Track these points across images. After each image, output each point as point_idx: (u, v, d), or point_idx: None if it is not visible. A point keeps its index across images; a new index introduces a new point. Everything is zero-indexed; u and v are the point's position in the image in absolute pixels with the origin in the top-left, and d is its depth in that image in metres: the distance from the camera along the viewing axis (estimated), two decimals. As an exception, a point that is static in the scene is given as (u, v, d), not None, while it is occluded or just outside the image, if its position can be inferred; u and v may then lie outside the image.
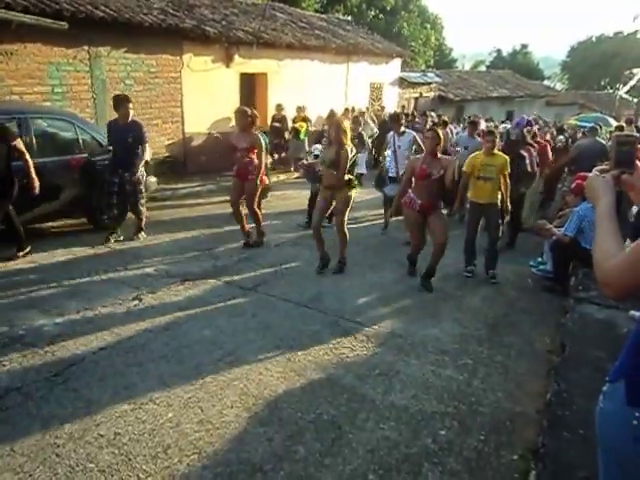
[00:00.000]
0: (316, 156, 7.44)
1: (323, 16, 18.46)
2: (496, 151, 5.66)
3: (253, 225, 6.46)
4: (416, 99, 20.35)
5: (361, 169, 8.17)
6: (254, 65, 12.00)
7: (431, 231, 5.25)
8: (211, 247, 6.23)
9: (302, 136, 11.63)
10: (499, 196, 5.65)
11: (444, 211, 5.64)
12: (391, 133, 7.39)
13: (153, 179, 7.31)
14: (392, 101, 17.53)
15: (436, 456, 2.83)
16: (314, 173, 6.26)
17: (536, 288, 5.54)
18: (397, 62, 17.99)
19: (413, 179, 5.25)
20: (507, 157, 5.60)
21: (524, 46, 49.79)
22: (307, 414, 3.12)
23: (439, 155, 5.14)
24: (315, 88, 13.29)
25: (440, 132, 5.20)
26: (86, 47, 8.46)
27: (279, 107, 12.17)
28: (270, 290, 4.94)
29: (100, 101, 8.76)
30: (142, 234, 6.44)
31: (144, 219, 6.49)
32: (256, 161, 6.06)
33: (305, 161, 7.36)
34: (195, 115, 10.56)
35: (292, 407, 3.18)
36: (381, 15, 31.01)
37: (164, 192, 8.84)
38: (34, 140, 5.76)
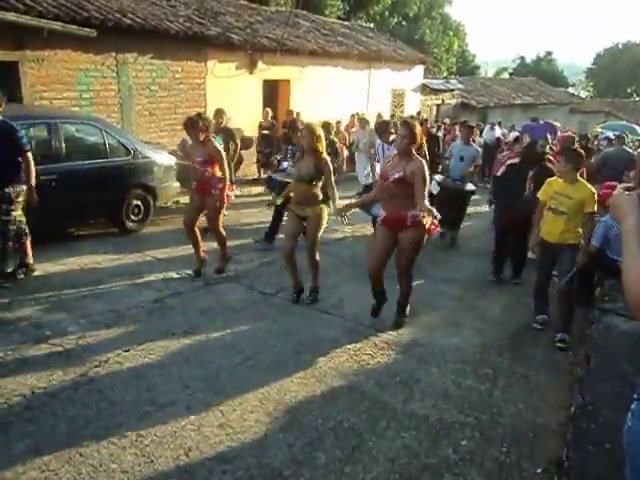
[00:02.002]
0: (283, 171, 6.87)
1: (346, 23, 18.53)
2: (581, 179, 4.49)
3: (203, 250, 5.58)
4: (438, 106, 20.27)
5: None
6: (277, 72, 12.10)
7: (398, 251, 4.28)
8: (233, 252, 6.27)
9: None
10: (576, 236, 4.41)
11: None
12: (379, 142, 6.75)
13: (176, 184, 7.40)
14: (414, 108, 17.49)
15: (457, 467, 2.81)
16: (278, 182, 5.94)
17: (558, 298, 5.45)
18: (419, 69, 17.95)
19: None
20: (593, 190, 4.39)
21: (548, 53, 49.31)
22: (327, 421, 3.12)
23: (414, 155, 4.13)
24: (337, 94, 13.33)
25: (417, 128, 4.20)
26: (113, 54, 8.63)
27: (266, 113, 11.02)
28: (290, 296, 4.95)
29: (126, 106, 8.92)
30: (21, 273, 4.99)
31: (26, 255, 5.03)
32: (219, 174, 5.30)
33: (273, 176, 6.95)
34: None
35: (312, 413, 3.19)
36: (404, 22, 31.04)
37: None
38: (63, 145, 5.88)
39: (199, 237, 5.46)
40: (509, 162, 5.86)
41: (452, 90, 21.19)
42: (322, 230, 4.79)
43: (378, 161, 6.52)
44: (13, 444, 2.75)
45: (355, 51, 14.40)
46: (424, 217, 4.05)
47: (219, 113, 7.57)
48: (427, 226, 4.12)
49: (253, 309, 4.68)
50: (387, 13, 29.37)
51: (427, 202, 4.04)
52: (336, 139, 8.19)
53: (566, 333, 4.36)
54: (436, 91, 20.09)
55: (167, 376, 3.49)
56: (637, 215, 1.44)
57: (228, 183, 5.42)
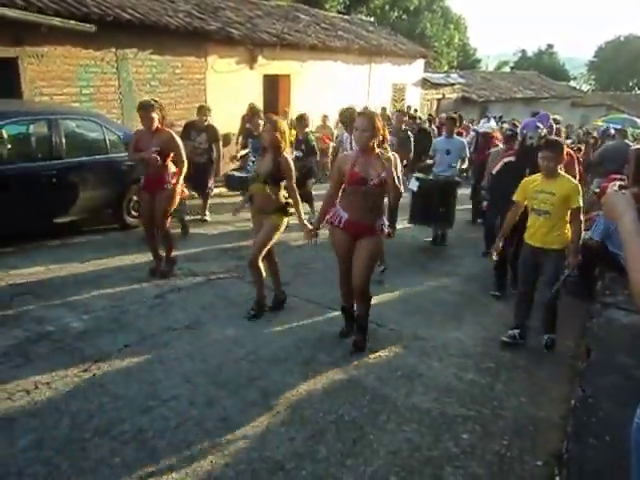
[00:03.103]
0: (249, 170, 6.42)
1: (346, 17, 18.47)
2: (562, 172, 4.05)
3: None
4: (439, 100, 20.22)
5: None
6: (277, 66, 12.07)
7: (353, 264, 3.77)
8: (234, 247, 6.28)
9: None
10: (563, 239, 3.98)
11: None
12: (345, 135, 6.08)
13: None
14: (415, 102, 17.44)
15: (458, 460, 2.82)
16: (237, 179, 5.65)
17: (561, 292, 5.45)
18: (420, 63, 17.90)
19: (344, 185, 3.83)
20: (577, 183, 4.00)
21: (549, 46, 49.09)
22: (328, 414, 3.13)
23: (377, 151, 3.59)
24: (338, 89, 13.30)
25: (378, 120, 3.65)
26: (113, 49, 8.62)
27: (250, 108, 9.75)
28: (292, 291, 4.96)
29: (126, 102, 8.91)
30: None
31: None
32: (172, 168, 4.94)
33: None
34: (219, 116, 10.62)
35: (313, 407, 3.20)
36: (404, 16, 30.94)
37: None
38: (63, 141, 5.88)
39: (155, 236, 5.17)
40: (505, 160, 5.41)
41: (453, 84, 21.12)
42: (272, 241, 4.32)
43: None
44: (17, 439, 2.76)
45: (355, 45, 14.36)
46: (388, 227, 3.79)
47: (203, 110, 7.24)
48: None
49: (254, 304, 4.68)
50: (387, 7, 29.28)
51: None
52: (313, 136, 7.51)
53: (553, 333, 4.15)
54: (437, 85, 20.03)
55: (169, 371, 3.51)
56: (633, 213, 1.42)
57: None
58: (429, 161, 7.22)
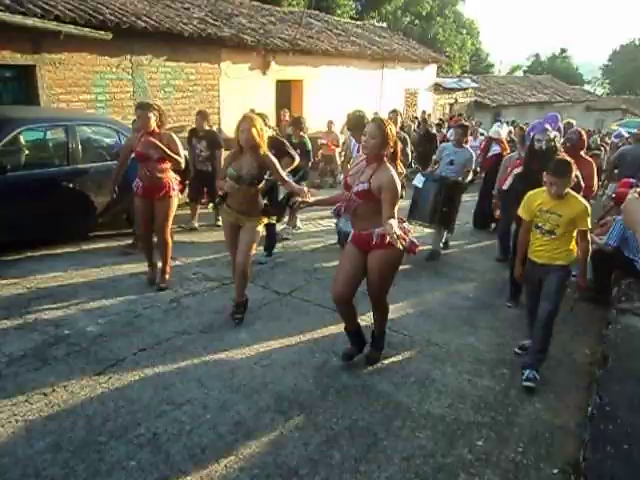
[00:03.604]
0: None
1: (359, 23, 18.53)
2: (572, 193, 3.63)
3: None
4: (451, 105, 20.18)
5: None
6: (290, 72, 12.14)
7: (367, 276, 3.54)
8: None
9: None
10: (568, 255, 3.68)
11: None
12: (353, 142, 5.72)
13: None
14: (427, 107, 17.42)
15: (473, 467, 2.80)
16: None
17: (576, 298, 5.40)
18: (432, 68, 17.90)
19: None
20: (587, 205, 3.60)
21: (563, 50, 48.83)
22: (342, 419, 3.13)
23: (384, 163, 3.35)
24: (350, 94, 13.34)
25: (390, 128, 3.37)
26: (128, 56, 8.72)
27: (251, 112, 10.26)
28: (305, 295, 4.97)
29: (141, 108, 9.00)
30: None
31: None
32: (172, 174, 4.76)
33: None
34: (232, 121, 10.71)
35: (327, 412, 3.20)
36: (416, 21, 30.95)
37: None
38: (79, 146, 5.96)
39: (152, 244, 5.01)
40: (515, 172, 5.05)
41: (465, 89, 21.07)
42: (256, 245, 4.28)
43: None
44: (35, 441, 2.80)
45: (368, 51, 14.39)
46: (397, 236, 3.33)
47: (202, 115, 6.88)
48: (405, 244, 3.31)
49: (268, 308, 4.71)
50: (399, 12, 29.31)
51: (395, 223, 3.14)
52: (309, 139, 7.19)
53: (536, 370, 3.65)
54: (449, 90, 20.00)
55: (183, 375, 3.53)
56: None
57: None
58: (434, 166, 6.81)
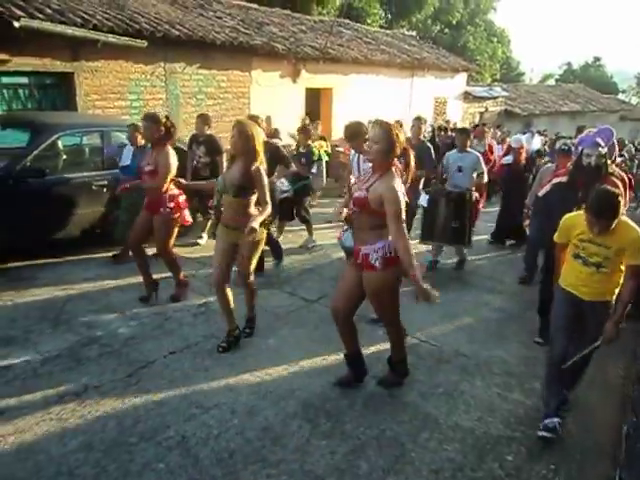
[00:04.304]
0: (285, 191, 6.20)
1: (389, 32, 18.55)
2: (626, 220, 3.07)
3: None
4: (481, 113, 19.98)
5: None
6: (320, 80, 12.20)
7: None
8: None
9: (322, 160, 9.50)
10: (615, 289, 3.14)
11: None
12: (353, 153, 5.29)
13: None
14: (457, 115, 17.30)
15: (503, 482, 2.75)
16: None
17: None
18: (462, 76, 17.77)
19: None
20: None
21: (597, 59, 47.83)
22: (369, 429, 3.11)
23: (389, 172, 3.09)
24: (379, 103, 13.33)
25: (398, 133, 3.08)
26: (162, 63, 8.91)
27: (268, 119, 9.69)
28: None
29: (173, 115, 9.17)
30: None
31: None
32: (174, 190, 4.50)
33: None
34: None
35: (354, 421, 3.19)
36: (446, 30, 30.79)
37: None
38: (115, 151, 6.10)
39: (147, 259, 4.78)
40: (555, 180, 4.57)
41: (496, 97, 20.83)
42: (257, 257, 4.02)
43: (354, 175, 5.21)
44: (68, 440, 2.87)
45: (398, 59, 14.38)
46: (385, 259, 3.10)
47: (203, 119, 6.50)
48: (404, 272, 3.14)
49: (295, 315, 4.72)
50: (429, 21, 29.22)
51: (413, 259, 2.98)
52: (316, 149, 7.00)
53: (559, 417, 3.14)
54: (479, 98, 19.81)
55: (212, 379, 3.56)
56: None
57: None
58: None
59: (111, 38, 7.60)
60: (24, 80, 7.43)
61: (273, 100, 10.87)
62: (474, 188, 6.03)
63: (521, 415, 3.38)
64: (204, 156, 6.43)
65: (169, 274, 4.88)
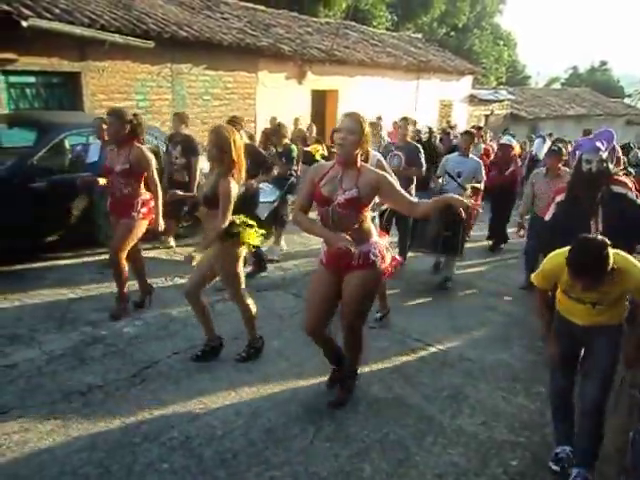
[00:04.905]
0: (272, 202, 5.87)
1: (394, 34, 18.56)
2: (622, 260, 2.56)
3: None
4: (487, 117, 19.96)
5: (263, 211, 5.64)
6: (326, 82, 12.23)
7: (342, 301, 3.12)
8: (280, 260, 6.34)
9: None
10: (621, 314, 2.78)
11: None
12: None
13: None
14: (462, 118, 17.27)
15: (507, 487, 2.73)
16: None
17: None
18: (468, 79, 17.77)
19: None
20: None
21: (603, 63, 47.69)
22: (373, 432, 3.10)
23: (361, 164, 2.95)
24: (384, 105, 13.34)
25: (366, 124, 2.91)
26: (169, 64, 8.96)
27: (273, 120, 9.36)
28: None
29: (179, 116, 9.21)
30: None
31: None
32: (146, 194, 4.24)
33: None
34: (267, 130, 10.87)
35: (358, 424, 3.18)
36: (452, 33, 30.76)
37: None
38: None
39: (125, 270, 4.35)
40: (557, 200, 3.99)
41: (501, 101, 20.81)
42: (238, 271, 3.67)
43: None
44: (72, 439, 2.87)
45: (403, 62, 14.40)
46: (380, 255, 3.01)
47: (181, 118, 6.23)
48: (385, 265, 3.06)
49: (300, 317, 4.69)
50: (436, 24, 29.18)
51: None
52: (294, 147, 6.68)
53: (589, 467, 2.74)
54: (485, 102, 19.79)
55: (216, 380, 3.56)
56: None
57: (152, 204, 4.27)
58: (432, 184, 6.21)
59: (118, 38, 7.64)
60: (31, 79, 7.48)
61: (279, 101, 10.89)
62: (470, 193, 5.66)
63: (525, 420, 3.36)
64: (180, 157, 6.05)
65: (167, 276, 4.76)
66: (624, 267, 2.54)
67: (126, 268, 4.33)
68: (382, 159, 4.43)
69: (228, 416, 3.17)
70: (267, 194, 5.88)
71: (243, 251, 3.68)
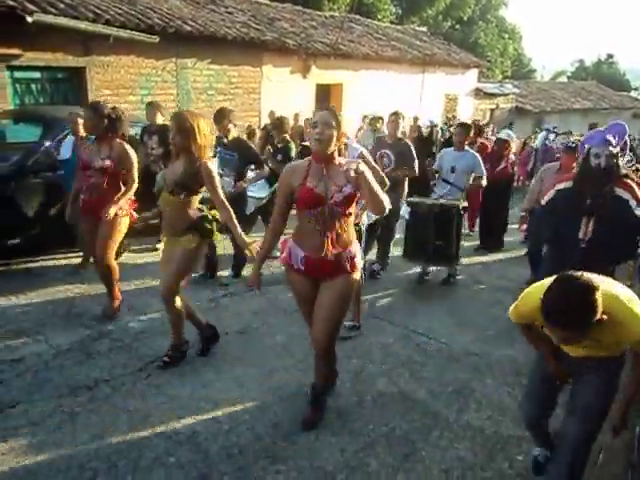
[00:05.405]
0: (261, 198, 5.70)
1: (399, 27, 18.46)
2: (621, 304, 2.06)
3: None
4: (492, 110, 19.84)
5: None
6: (330, 76, 12.19)
7: (319, 308, 2.86)
8: (277, 257, 6.31)
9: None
10: (616, 350, 2.27)
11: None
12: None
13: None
14: (467, 112, 17.18)
15: (513, 482, 2.73)
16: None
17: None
18: (473, 73, 17.67)
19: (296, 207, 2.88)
20: None
21: (609, 56, 47.30)
22: (379, 427, 3.10)
23: (339, 161, 2.75)
24: (389, 99, 13.27)
25: (341, 118, 2.73)
26: (174, 59, 8.95)
27: (272, 114, 9.13)
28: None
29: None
30: None
31: None
32: (121, 188, 4.01)
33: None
34: (271, 124, 10.85)
35: (363, 418, 3.18)
36: (457, 26, 30.58)
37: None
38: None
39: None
40: (559, 186, 3.76)
41: (507, 94, 20.67)
42: (190, 269, 3.55)
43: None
44: (79, 434, 2.88)
45: (408, 55, 14.33)
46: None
47: (155, 107, 5.96)
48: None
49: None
50: (440, 17, 29.01)
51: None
52: (293, 144, 6.35)
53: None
54: (490, 95, 19.66)
55: (221, 374, 3.57)
56: None
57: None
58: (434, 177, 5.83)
59: (123, 33, 7.63)
60: (36, 75, 7.49)
61: (283, 96, 10.86)
62: (467, 191, 5.56)
63: (532, 415, 3.35)
64: (157, 147, 5.68)
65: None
66: (621, 318, 2.02)
67: (116, 267, 4.20)
68: (366, 152, 4.24)
69: (234, 410, 3.18)
70: (257, 189, 5.74)
71: (204, 250, 3.55)
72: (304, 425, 3.05)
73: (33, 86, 7.49)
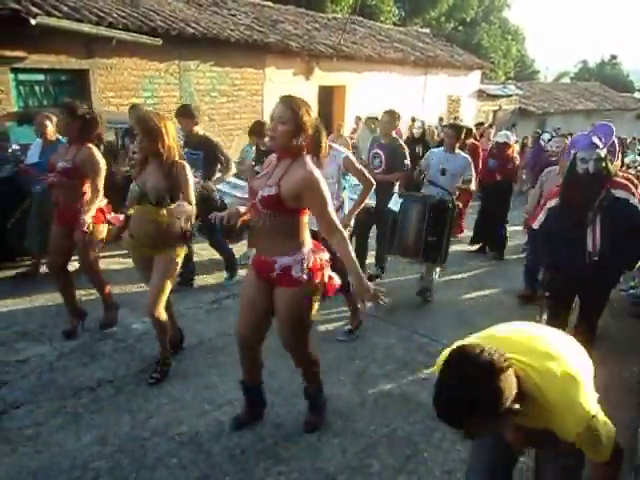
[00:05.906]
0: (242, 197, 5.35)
1: (402, 29, 18.47)
2: (566, 391, 1.65)
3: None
4: (495, 112, 19.83)
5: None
6: (333, 78, 12.20)
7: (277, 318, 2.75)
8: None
9: None
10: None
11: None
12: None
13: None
14: (470, 114, 17.18)
15: (515, 483, 2.73)
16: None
17: (624, 314, 5.21)
18: (476, 74, 17.66)
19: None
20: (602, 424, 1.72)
21: (613, 57, 47.21)
22: (381, 428, 3.11)
23: (299, 159, 2.47)
24: (392, 101, 13.27)
25: (309, 112, 2.46)
26: (177, 61, 8.97)
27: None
28: (340, 302, 4.94)
29: (187, 112, 9.23)
30: None
31: None
32: (88, 194, 3.77)
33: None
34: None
35: (365, 420, 3.19)
36: (460, 27, 30.58)
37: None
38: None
39: (74, 282, 4.05)
40: (549, 204, 3.52)
41: (510, 95, 20.66)
42: (174, 276, 3.42)
43: None
44: (83, 434, 2.90)
45: (411, 57, 14.33)
46: (308, 270, 2.56)
47: (137, 110, 5.46)
48: (322, 281, 2.65)
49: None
50: (443, 18, 29.01)
51: (353, 256, 2.50)
52: None
53: None
54: (493, 97, 19.66)
55: (224, 375, 3.58)
56: None
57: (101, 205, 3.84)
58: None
59: (126, 36, 7.66)
60: (40, 77, 7.52)
61: (286, 98, 10.87)
62: (457, 193, 5.24)
63: (534, 416, 3.35)
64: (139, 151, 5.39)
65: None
66: (551, 405, 1.59)
67: (101, 274, 4.11)
68: (351, 157, 4.08)
69: (236, 411, 3.17)
70: (240, 189, 5.59)
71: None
72: (306, 428, 3.06)
73: (37, 88, 7.53)
